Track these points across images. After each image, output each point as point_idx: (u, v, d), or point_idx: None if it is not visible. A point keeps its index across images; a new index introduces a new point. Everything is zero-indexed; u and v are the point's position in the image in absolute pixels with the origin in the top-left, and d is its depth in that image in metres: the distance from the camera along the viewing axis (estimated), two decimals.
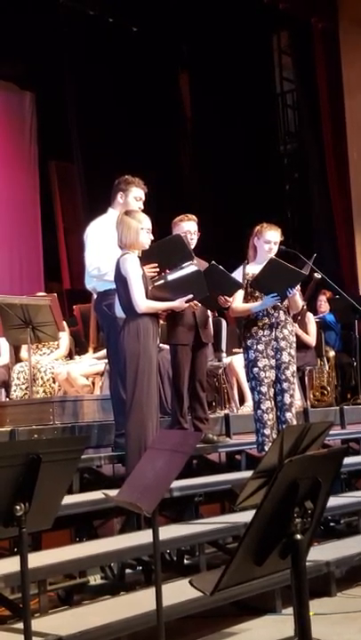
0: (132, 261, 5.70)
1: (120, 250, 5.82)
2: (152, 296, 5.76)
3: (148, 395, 5.65)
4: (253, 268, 6.51)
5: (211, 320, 6.93)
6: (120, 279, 5.74)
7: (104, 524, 5.80)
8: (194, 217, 6.82)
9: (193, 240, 6.72)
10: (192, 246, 6.68)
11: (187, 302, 6.00)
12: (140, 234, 5.76)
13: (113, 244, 5.92)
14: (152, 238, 5.91)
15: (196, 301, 6.28)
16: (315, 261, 6.73)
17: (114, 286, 5.89)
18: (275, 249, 6.51)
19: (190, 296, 5.97)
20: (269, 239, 6.50)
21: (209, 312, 6.83)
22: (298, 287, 6.45)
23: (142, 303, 5.67)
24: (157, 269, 6.03)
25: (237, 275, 6.50)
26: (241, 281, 6.45)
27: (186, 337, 6.57)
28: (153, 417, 5.66)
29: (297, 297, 6.49)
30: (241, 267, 6.56)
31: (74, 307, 10.20)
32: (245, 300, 6.50)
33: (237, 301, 6.50)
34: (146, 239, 5.82)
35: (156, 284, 5.91)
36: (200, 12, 12.93)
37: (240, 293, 6.49)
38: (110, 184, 6.58)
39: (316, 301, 10.75)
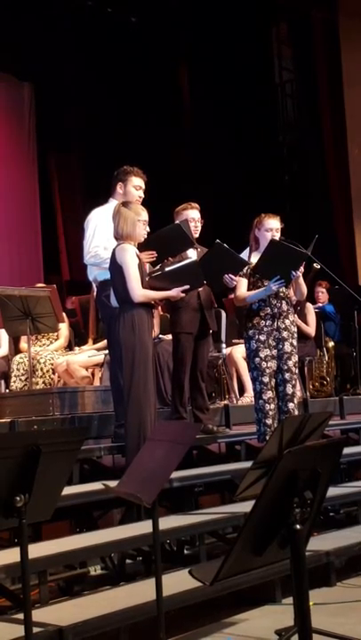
0: (128, 251, 5.71)
1: (116, 241, 5.84)
2: (148, 286, 5.79)
3: (146, 386, 5.66)
4: (254, 258, 6.50)
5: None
6: (116, 268, 5.76)
7: (104, 515, 5.81)
8: (197, 205, 6.83)
9: (197, 228, 6.73)
10: (196, 235, 6.69)
11: (183, 292, 6.01)
12: (137, 226, 5.78)
13: (112, 234, 5.94)
14: (148, 230, 5.93)
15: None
16: (314, 252, 6.72)
17: None
18: (277, 237, 6.50)
19: (187, 286, 6.00)
20: (271, 227, 6.49)
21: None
22: (301, 269, 6.43)
23: (139, 292, 5.68)
24: (155, 256, 6.06)
25: (245, 256, 6.50)
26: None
27: (190, 325, 6.57)
28: (151, 408, 5.68)
29: (301, 280, 6.47)
30: (248, 249, 6.56)
31: (73, 298, 10.20)
32: (248, 290, 6.48)
33: (242, 290, 6.48)
34: (142, 231, 5.84)
35: (153, 275, 5.93)
36: (199, 3, 12.90)
37: (244, 282, 6.47)
38: (109, 175, 6.58)
39: (313, 292, 10.74)
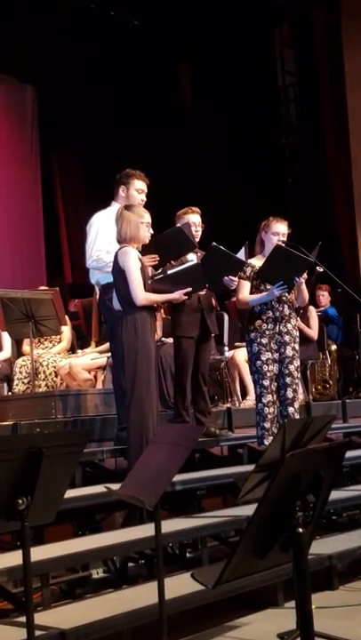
0: (130, 254, 5.72)
1: (119, 244, 5.84)
2: (151, 289, 5.79)
3: (148, 389, 5.66)
4: (258, 261, 6.49)
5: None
6: (118, 272, 5.76)
7: (106, 518, 5.81)
8: (198, 209, 6.83)
9: (198, 233, 6.73)
10: (197, 239, 6.69)
11: (185, 295, 6.02)
12: (140, 228, 5.78)
13: (115, 237, 5.94)
14: (152, 232, 5.92)
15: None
16: (316, 255, 6.71)
17: None
18: (283, 242, 6.49)
19: (189, 289, 6.00)
20: (278, 231, 6.49)
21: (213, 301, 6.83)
22: (305, 276, 6.42)
23: (141, 295, 5.69)
24: (157, 259, 6.06)
25: (241, 255, 6.49)
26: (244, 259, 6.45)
27: (191, 329, 6.57)
28: (153, 410, 5.68)
29: (303, 287, 6.47)
30: (243, 248, 6.54)
31: (76, 301, 10.20)
32: (251, 293, 6.48)
33: (244, 293, 6.48)
34: (146, 233, 5.84)
35: (155, 278, 5.94)
36: (201, 6, 12.89)
37: (247, 285, 6.47)
38: (111, 177, 6.58)
39: (314, 295, 10.72)
